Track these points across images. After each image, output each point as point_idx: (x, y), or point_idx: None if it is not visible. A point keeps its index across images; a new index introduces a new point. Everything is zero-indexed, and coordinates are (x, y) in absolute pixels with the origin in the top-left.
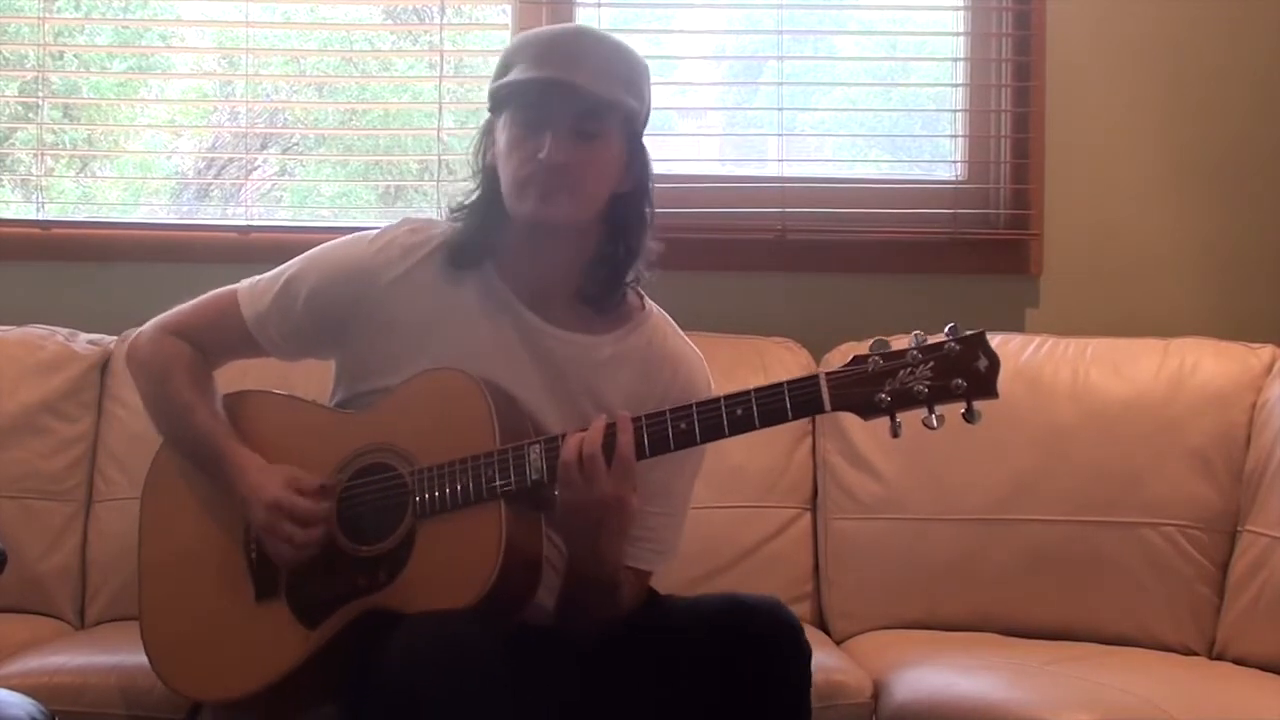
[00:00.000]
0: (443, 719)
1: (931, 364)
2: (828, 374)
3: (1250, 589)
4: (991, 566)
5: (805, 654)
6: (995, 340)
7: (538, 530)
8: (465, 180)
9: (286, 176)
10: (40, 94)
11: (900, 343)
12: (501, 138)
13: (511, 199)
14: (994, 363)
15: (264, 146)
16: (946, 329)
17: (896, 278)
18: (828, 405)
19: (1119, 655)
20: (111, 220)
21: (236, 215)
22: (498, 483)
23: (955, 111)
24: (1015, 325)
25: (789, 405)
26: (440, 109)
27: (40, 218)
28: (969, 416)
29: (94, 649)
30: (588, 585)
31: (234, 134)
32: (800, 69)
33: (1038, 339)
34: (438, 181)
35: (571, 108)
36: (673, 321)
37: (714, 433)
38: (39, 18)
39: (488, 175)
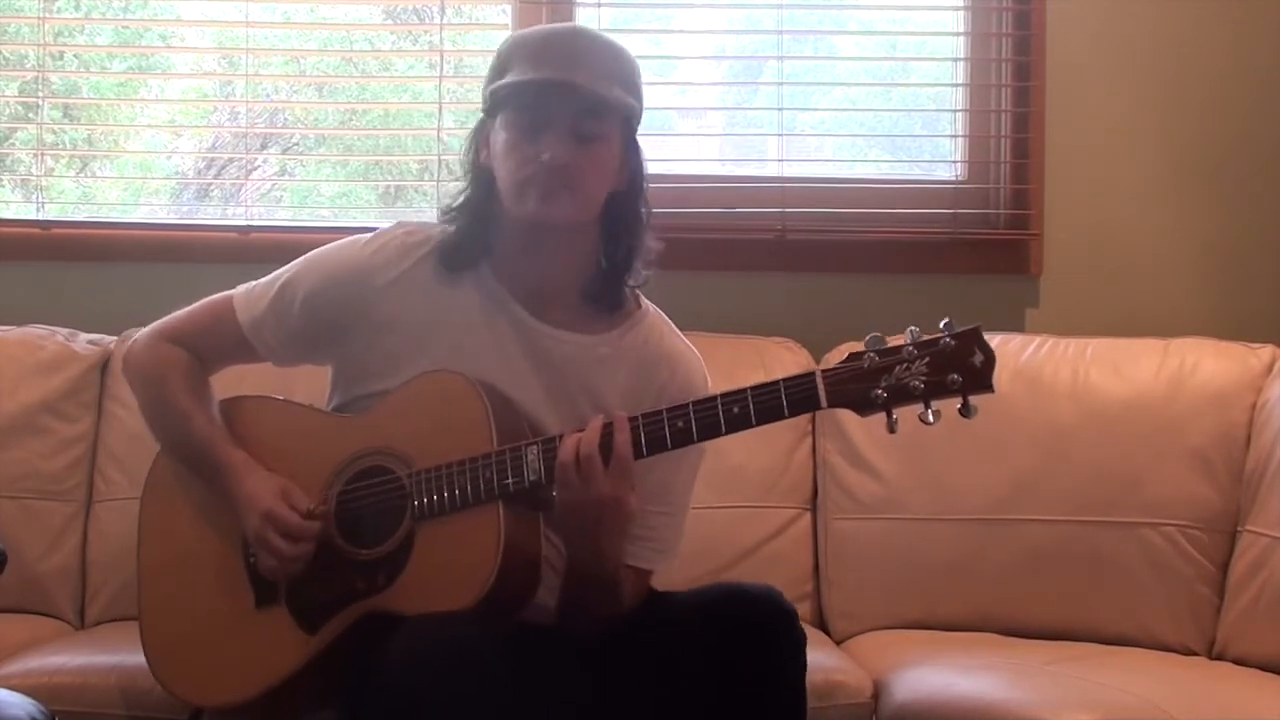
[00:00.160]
0: None
1: (927, 360)
2: (824, 371)
3: (1250, 589)
4: (991, 566)
5: (800, 640)
6: (995, 340)
7: (536, 531)
8: (459, 180)
9: (286, 176)
10: (40, 94)
11: (897, 340)
12: (498, 139)
13: (511, 200)
14: (989, 357)
15: (264, 146)
16: (942, 324)
17: (896, 278)
18: (824, 402)
19: (1119, 655)
20: (111, 220)
21: (236, 215)
22: (495, 484)
23: (955, 111)
24: (1015, 325)
25: (785, 403)
26: (440, 109)
27: (40, 218)
28: (965, 411)
29: (94, 649)
30: (588, 584)
31: (234, 134)
32: (800, 69)
33: (1038, 339)
34: (438, 181)
35: (571, 108)
36: (669, 321)
37: (711, 431)
38: (39, 18)
39: (481, 176)
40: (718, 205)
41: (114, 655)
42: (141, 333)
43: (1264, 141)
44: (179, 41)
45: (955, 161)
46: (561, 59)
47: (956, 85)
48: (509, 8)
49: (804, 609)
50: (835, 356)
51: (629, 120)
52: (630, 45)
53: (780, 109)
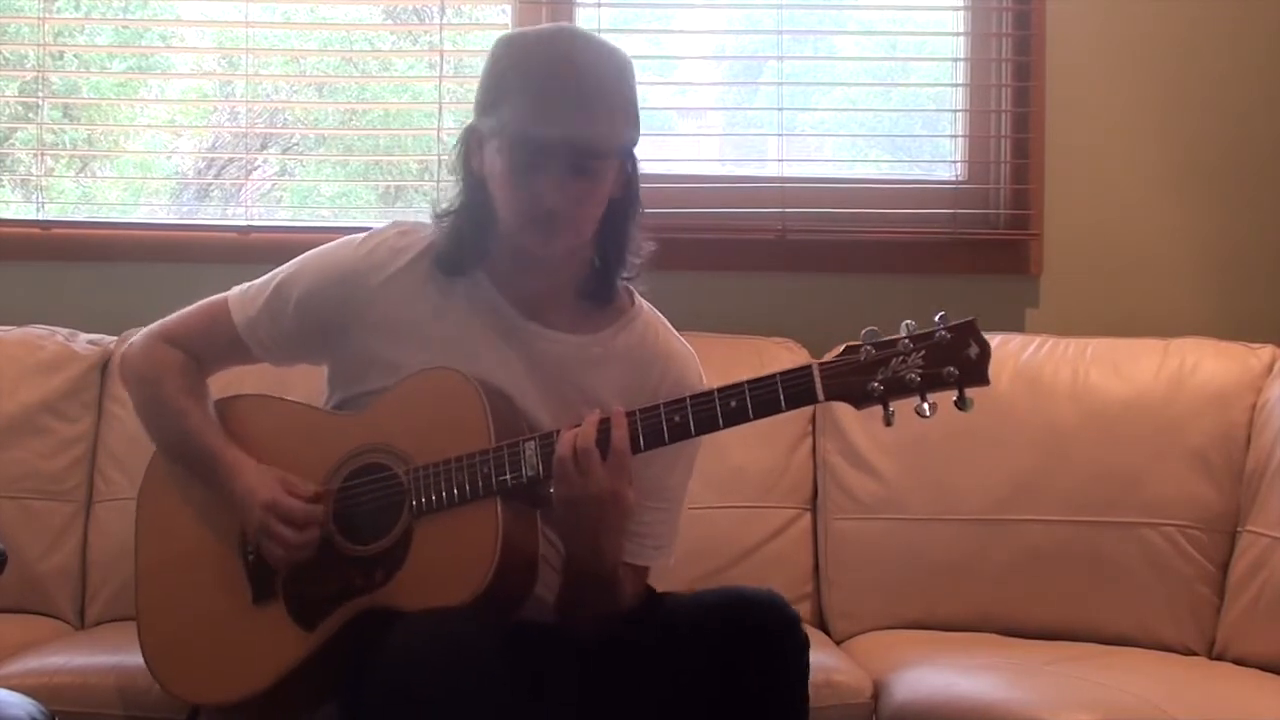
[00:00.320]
0: (440, 717)
1: (923, 352)
2: (820, 364)
3: (1250, 589)
4: (991, 566)
5: (803, 646)
6: (995, 340)
7: (534, 527)
8: (451, 177)
9: (286, 177)
10: (40, 94)
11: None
12: (494, 162)
13: (510, 228)
14: (984, 350)
15: (264, 146)
16: (937, 317)
17: (896, 278)
18: (820, 395)
19: (1119, 655)
20: (111, 220)
21: (236, 215)
22: (493, 480)
23: (955, 111)
24: (1015, 325)
25: (782, 396)
26: (440, 109)
27: (40, 218)
28: (961, 404)
29: (94, 649)
30: (586, 582)
31: (234, 134)
32: (800, 69)
33: (1038, 339)
34: (438, 181)
35: (574, 151)
36: (664, 319)
37: (708, 425)
38: (39, 18)
39: (475, 185)
40: (718, 205)
41: (113, 655)
42: (137, 335)
43: (1264, 141)
44: (179, 41)
45: (955, 161)
46: (566, 107)
47: (956, 85)
48: (509, 8)
49: (804, 609)
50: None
51: (630, 146)
52: (630, 45)
53: (780, 109)
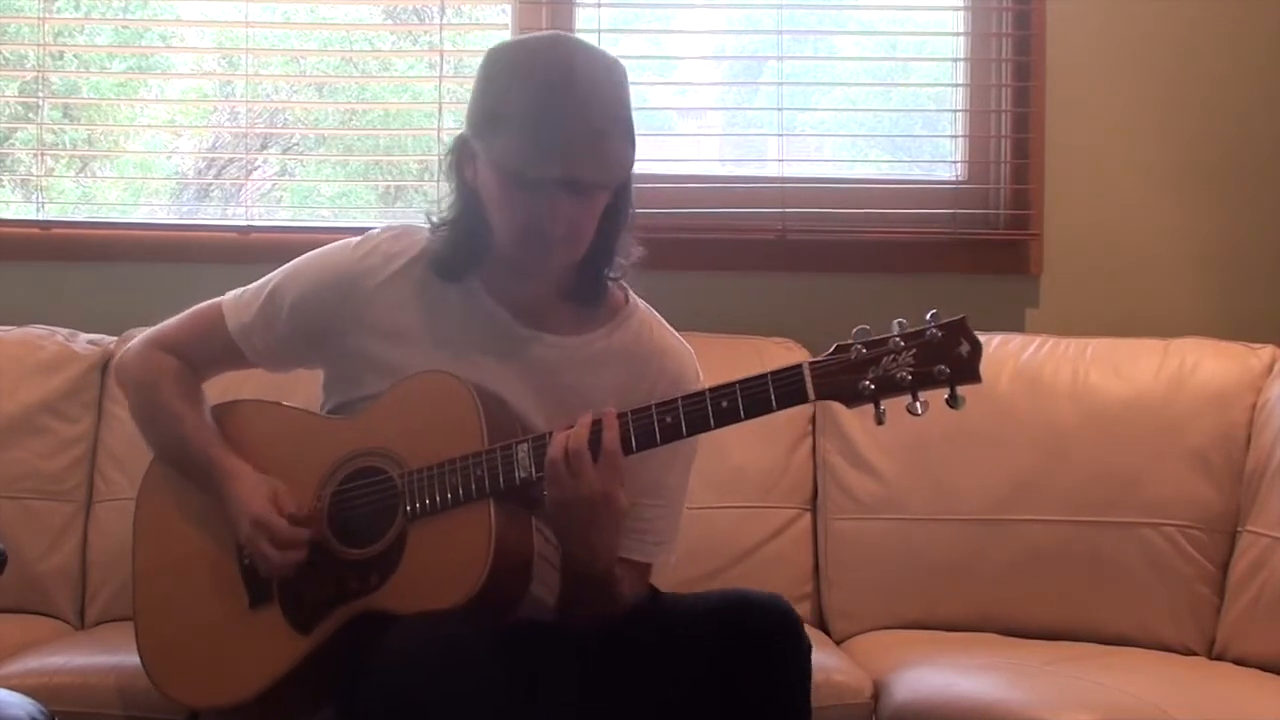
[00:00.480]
0: None
1: (914, 350)
2: (811, 363)
3: (1250, 589)
4: (991, 566)
5: (806, 650)
6: (995, 340)
7: (529, 529)
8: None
9: (286, 177)
10: (40, 94)
11: None
12: (489, 177)
13: (505, 243)
14: (976, 348)
15: (264, 146)
16: (928, 315)
17: (896, 278)
18: (812, 394)
19: (1119, 655)
20: (111, 220)
21: (236, 215)
22: (487, 483)
23: (955, 111)
24: (1015, 325)
25: (773, 396)
26: (440, 109)
27: (40, 218)
28: (952, 402)
29: (94, 649)
30: (584, 581)
31: (234, 134)
32: (800, 69)
33: (1038, 339)
34: (438, 182)
35: (572, 180)
36: (658, 315)
37: (700, 425)
38: (39, 18)
39: (468, 194)
40: (718, 205)
41: (113, 656)
42: (132, 342)
43: (1264, 142)
44: (179, 41)
45: (955, 161)
46: (565, 144)
47: (956, 85)
48: (509, 8)
49: (804, 609)
50: None
51: (629, 168)
52: (630, 45)
53: (780, 109)
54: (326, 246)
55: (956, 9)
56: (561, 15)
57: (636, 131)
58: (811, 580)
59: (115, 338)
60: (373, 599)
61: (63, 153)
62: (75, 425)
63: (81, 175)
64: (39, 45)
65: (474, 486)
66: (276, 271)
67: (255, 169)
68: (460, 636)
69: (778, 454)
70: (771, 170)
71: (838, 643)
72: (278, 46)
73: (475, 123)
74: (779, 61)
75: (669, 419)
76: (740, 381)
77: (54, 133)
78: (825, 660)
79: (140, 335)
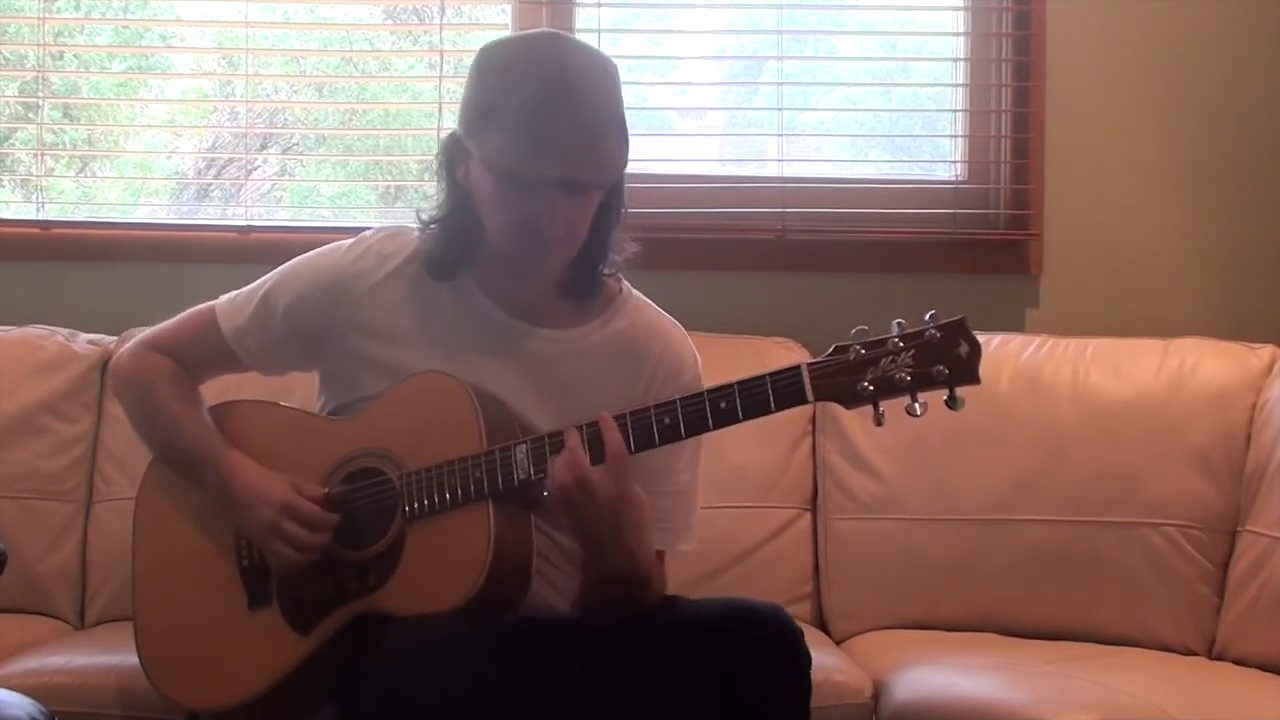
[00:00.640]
0: None
1: (913, 351)
2: (809, 364)
3: (1250, 589)
4: (991, 566)
5: (805, 662)
6: (995, 340)
7: (528, 530)
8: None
9: (286, 177)
10: (40, 94)
11: None
12: (483, 178)
13: (499, 243)
14: (975, 348)
15: (264, 146)
16: (927, 316)
17: (896, 278)
18: (810, 395)
19: (1119, 655)
20: (111, 220)
21: (236, 215)
22: (485, 484)
23: (955, 111)
24: (1015, 325)
25: (772, 397)
26: (440, 109)
27: (40, 218)
28: (951, 403)
29: (94, 649)
30: (617, 581)
31: (234, 134)
32: (800, 69)
33: (1038, 339)
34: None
35: (567, 181)
36: (650, 300)
37: (698, 426)
38: (39, 18)
39: (460, 193)
40: (718, 205)
41: (113, 656)
42: (127, 345)
43: (1264, 142)
44: (179, 41)
45: (955, 161)
46: (559, 147)
47: (956, 85)
48: (509, 8)
49: (804, 609)
50: None
51: (623, 168)
52: (630, 45)
53: (780, 109)
54: (320, 249)
55: (956, 9)
56: (561, 15)
57: (633, 131)
58: (811, 580)
59: (115, 338)
60: (372, 600)
61: (63, 153)
62: (75, 425)
63: (81, 175)
64: (39, 45)
65: (473, 488)
66: (270, 274)
67: (255, 169)
68: (459, 637)
69: (778, 454)
70: (771, 170)
71: (838, 643)
72: (278, 46)
73: (469, 121)
74: (779, 61)
75: (667, 420)
76: (739, 382)
77: (54, 133)
78: (825, 660)
79: (134, 339)
